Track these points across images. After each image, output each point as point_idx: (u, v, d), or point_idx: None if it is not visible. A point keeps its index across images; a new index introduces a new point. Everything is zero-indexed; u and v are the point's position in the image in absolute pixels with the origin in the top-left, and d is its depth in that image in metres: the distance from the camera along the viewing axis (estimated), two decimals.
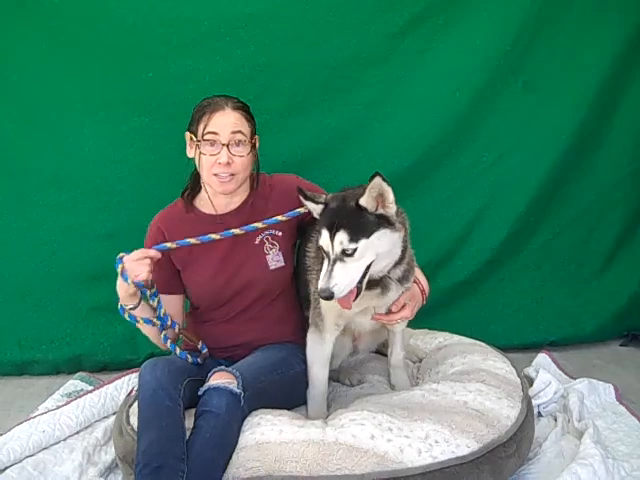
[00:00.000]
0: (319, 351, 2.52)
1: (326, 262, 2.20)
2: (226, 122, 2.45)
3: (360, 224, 2.20)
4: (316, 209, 2.32)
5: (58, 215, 3.29)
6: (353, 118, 3.28)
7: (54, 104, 3.19)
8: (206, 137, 2.44)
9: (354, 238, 2.17)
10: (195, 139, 2.47)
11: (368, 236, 2.19)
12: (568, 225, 3.52)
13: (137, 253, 2.33)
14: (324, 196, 2.34)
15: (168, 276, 2.61)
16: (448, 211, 3.39)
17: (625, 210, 3.56)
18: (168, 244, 2.41)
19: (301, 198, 2.36)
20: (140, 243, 2.75)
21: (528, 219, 3.45)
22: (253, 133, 2.53)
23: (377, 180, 2.17)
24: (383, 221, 2.23)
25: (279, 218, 2.47)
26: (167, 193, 2.76)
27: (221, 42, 3.12)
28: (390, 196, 2.21)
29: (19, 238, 3.31)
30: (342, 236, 2.17)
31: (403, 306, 2.47)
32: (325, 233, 2.20)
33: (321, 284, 2.16)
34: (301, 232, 2.66)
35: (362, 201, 2.20)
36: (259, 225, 2.45)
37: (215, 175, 2.47)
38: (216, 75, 3.12)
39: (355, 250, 2.17)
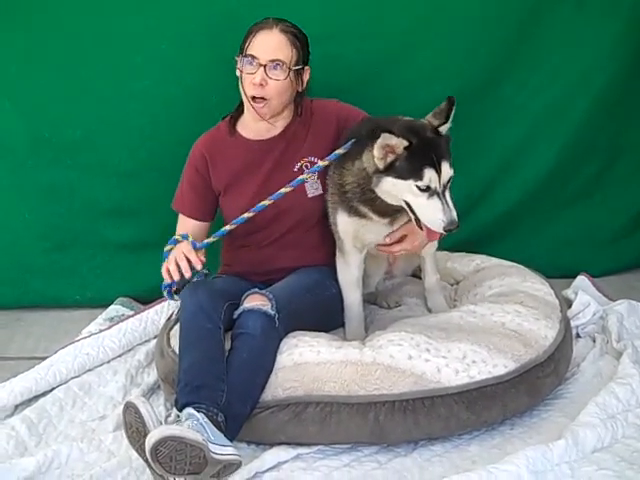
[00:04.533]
0: (346, 274, 2.54)
1: (434, 198, 2.17)
2: (268, 42, 2.41)
3: (448, 149, 2.22)
4: (400, 146, 2.19)
5: (75, 153, 3.14)
6: (391, 45, 3.09)
7: (64, 34, 2.99)
8: (246, 54, 2.42)
9: (451, 164, 2.19)
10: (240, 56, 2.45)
11: (452, 157, 2.23)
12: (618, 155, 3.35)
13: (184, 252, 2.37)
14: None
15: (201, 202, 2.63)
16: (492, 140, 3.23)
17: None
18: (227, 227, 2.46)
19: (389, 135, 2.16)
20: (161, 181, 2.71)
21: (577, 149, 3.27)
22: (298, 61, 2.46)
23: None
24: (449, 140, 2.26)
25: (340, 151, 2.41)
26: (189, 128, 2.71)
27: None
28: None
29: (36, 177, 3.18)
30: (446, 166, 2.17)
31: (402, 238, 2.45)
32: (430, 170, 2.16)
33: (446, 218, 2.16)
34: None
35: (443, 128, 2.23)
36: (324, 162, 2.43)
37: (251, 98, 2.45)
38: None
39: (453, 175, 2.20)
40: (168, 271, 2.36)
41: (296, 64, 2.46)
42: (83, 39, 3.00)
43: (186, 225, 2.64)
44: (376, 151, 2.20)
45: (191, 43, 2.87)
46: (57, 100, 3.08)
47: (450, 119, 2.25)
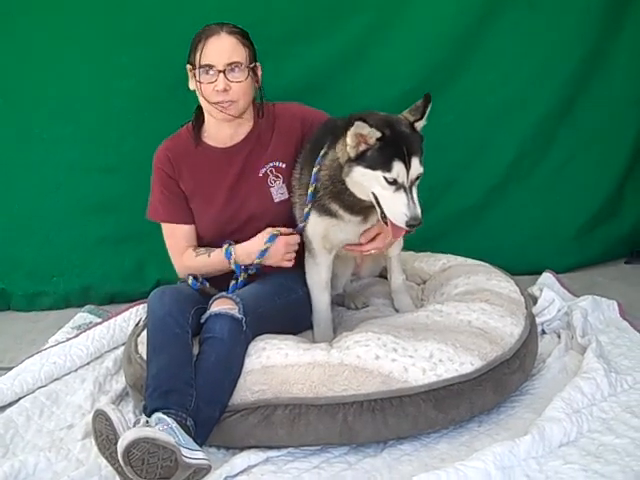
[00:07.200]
0: (315, 276, 2.54)
1: (401, 192, 2.18)
2: (221, 48, 2.41)
3: (420, 146, 2.24)
4: (373, 136, 2.20)
5: (62, 149, 3.30)
6: (354, 43, 3.20)
7: (51, 37, 3.16)
8: (202, 64, 2.41)
9: (422, 161, 2.21)
10: (192, 68, 2.45)
11: (423, 155, 2.24)
12: (579, 149, 3.42)
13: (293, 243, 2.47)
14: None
15: (182, 206, 2.61)
16: (452, 135, 3.29)
17: (638, 131, 3.47)
18: None
19: (362, 124, 2.17)
20: (143, 176, 2.72)
21: (536, 143, 3.36)
22: (252, 59, 2.48)
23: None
24: (422, 137, 2.28)
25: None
26: (168, 125, 2.72)
27: None
28: None
29: (25, 172, 3.33)
30: (416, 162, 2.19)
31: (375, 237, 2.46)
32: (399, 164, 2.17)
33: (410, 214, 2.16)
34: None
35: (419, 125, 2.27)
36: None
37: (215, 103, 2.44)
38: (214, 2, 3.01)
39: (422, 173, 2.21)
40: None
41: (251, 62, 2.47)
42: (72, 40, 3.17)
43: (183, 232, 2.61)
44: (349, 139, 2.22)
45: (172, 45, 2.91)
46: (47, 97, 3.24)
47: (426, 116, 2.28)
